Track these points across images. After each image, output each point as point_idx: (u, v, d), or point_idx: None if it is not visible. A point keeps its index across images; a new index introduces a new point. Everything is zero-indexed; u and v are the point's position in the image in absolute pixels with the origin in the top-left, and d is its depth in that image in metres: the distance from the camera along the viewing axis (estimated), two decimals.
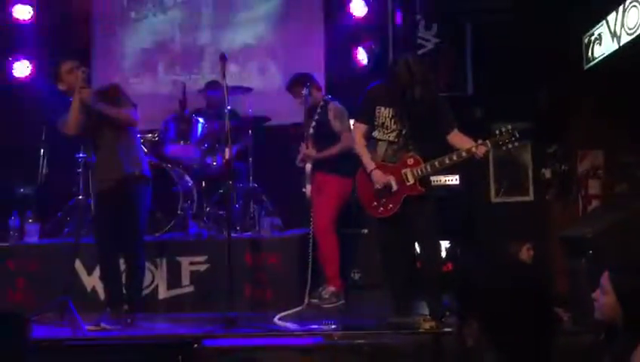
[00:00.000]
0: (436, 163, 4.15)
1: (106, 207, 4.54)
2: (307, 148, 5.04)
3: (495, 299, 1.59)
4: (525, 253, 4.79)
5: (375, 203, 4.25)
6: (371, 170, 4.21)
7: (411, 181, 4.17)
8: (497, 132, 4.09)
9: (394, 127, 4.23)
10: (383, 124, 4.25)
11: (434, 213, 4.24)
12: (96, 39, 7.27)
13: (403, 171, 4.18)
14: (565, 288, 4.47)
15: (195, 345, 3.65)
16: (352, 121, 5.24)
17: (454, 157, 4.13)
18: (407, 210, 4.18)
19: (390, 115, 4.23)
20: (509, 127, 4.08)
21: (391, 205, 4.20)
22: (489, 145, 4.09)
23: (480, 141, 4.11)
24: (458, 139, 4.20)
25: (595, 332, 3.03)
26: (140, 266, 4.59)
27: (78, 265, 5.11)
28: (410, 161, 4.19)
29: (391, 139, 4.24)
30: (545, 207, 5.63)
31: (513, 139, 4.07)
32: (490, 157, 5.39)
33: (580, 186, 5.38)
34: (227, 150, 4.86)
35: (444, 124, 4.23)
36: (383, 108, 4.25)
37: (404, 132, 4.21)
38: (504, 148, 4.10)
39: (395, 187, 4.16)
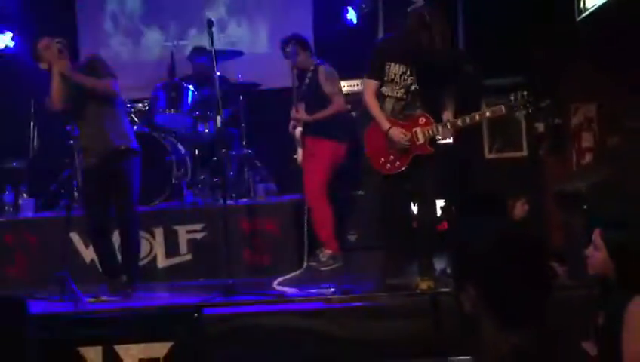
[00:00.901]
0: (448, 125, 4.10)
1: (93, 183, 4.50)
2: (297, 112, 5.00)
3: (492, 267, 1.59)
4: (520, 208, 4.80)
5: (383, 159, 4.19)
6: (388, 129, 4.13)
7: (421, 140, 4.10)
8: (512, 97, 4.00)
9: (403, 83, 4.15)
10: (393, 80, 4.16)
11: (437, 174, 4.22)
12: (82, 8, 7.14)
13: (414, 130, 4.11)
14: (560, 242, 4.50)
15: (196, 314, 3.67)
16: (342, 83, 5.22)
17: (467, 120, 4.06)
18: (412, 169, 4.14)
19: (400, 72, 4.15)
20: (525, 92, 4.00)
21: (398, 162, 4.14)
22: (503, 110, 4.03)
23: (495, 107, 4.05)
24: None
25: (590, 287, 3.06)
26: (134, 238, 4.57)
27: (75, 237, 5.12)
28: (422, 120, 4.11)
29: (399, 95, 4.16)
30: (539, 162, 5.63)
31: (528, 105, 4.01)
32: None
33: (574, 139, 5.37)
34: (219, 117, 4.81)
35: (452, 81, 4.18)
36: (393, 65, 4.16)
37: (412, 88, 4.14)
38: (517, 114, 4.04)
39: (407, 144, 4.11)
